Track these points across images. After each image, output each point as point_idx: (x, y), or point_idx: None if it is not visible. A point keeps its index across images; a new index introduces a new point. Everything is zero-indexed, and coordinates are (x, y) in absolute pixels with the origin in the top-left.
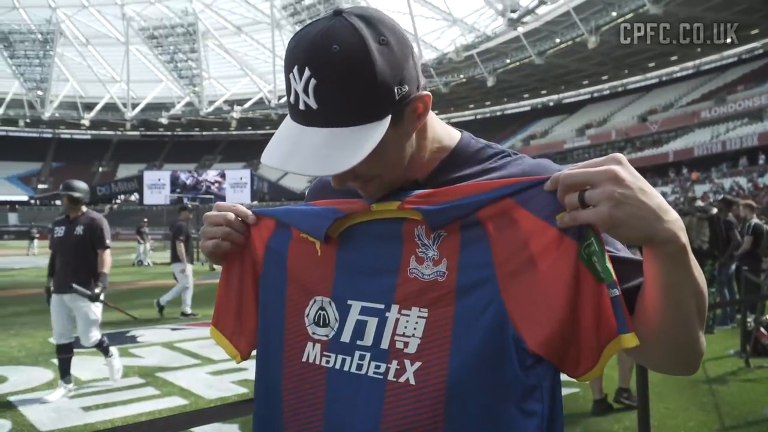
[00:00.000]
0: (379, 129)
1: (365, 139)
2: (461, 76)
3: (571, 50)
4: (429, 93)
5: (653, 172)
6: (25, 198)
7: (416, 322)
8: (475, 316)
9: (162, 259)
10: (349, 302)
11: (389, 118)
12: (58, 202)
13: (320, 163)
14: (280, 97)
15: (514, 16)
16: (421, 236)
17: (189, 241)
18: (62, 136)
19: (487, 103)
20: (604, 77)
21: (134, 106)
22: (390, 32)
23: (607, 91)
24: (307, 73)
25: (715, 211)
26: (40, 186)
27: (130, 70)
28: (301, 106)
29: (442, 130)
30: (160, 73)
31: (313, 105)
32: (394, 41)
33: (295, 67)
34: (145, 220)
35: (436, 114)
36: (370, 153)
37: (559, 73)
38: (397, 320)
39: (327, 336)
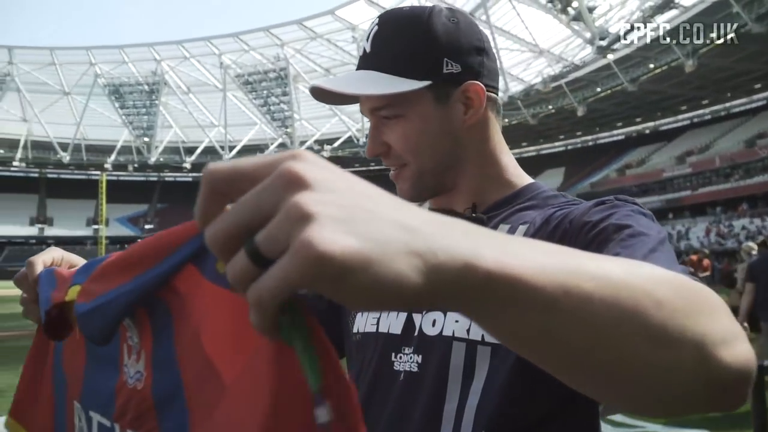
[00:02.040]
0: (408, 86)
1: (393, 85)
2: (550, 107)
3: (667, 75)
4: (483, 87)
5: (765, 200)
6: (133, 237)
7: None
8: None
9: None
10: (91, 414)
11: (427, 84)
12: None
13: (345, 84)
14: (367, 136)
15: (604, 43)
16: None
17: None
18: (166, 179)
19: (578, 133)
20: (705, 101)
21: (231, 148)
22: (467, 24)
23: (709, 116)
24: (375, 21)
25: None
26: (147, 226)
27: (227, 115)
28: (361, 52)
29: (514, 169)
30: (255, 117)
31: (368, 48)
32: (465, 28)
33: (372, 24)
34: None
35: (524, 146)
36: (402, 123)
37: (654, 100)
38: None
39: None
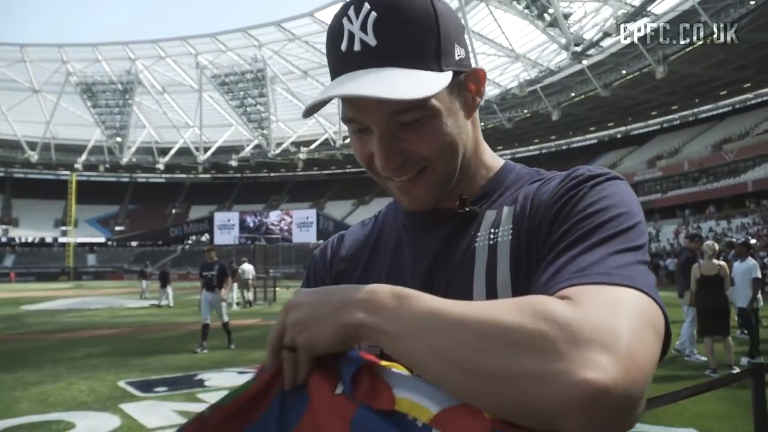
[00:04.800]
0: (442, 81)
1: (429, 82)
2: (525, 111)
3: (639, 81)
4: (485, 71)
5: (731, 203)
6: (102, 240)
7: None
8: None
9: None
10: None
11: (450, 76)
12: (133, 243)
13: (385, 87)
14: (344, 138)
15: (578, 49)
16: None
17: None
18: (139, 180)
19: (553, 137)
20: (674, 107)
21: (206, 149)
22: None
23: (678, 121)
24: (366, 7)
25: None
26: (117, 228)
27: (202, 116)
28: (357, 47)
29: (490, 151)
30: (231, 118)
31: (372, 42)
32: (451, 9)
33: (351, 8)
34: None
35: (500, 150)
36: (424, 123)
37: (626, 105)
38: None
39: None
